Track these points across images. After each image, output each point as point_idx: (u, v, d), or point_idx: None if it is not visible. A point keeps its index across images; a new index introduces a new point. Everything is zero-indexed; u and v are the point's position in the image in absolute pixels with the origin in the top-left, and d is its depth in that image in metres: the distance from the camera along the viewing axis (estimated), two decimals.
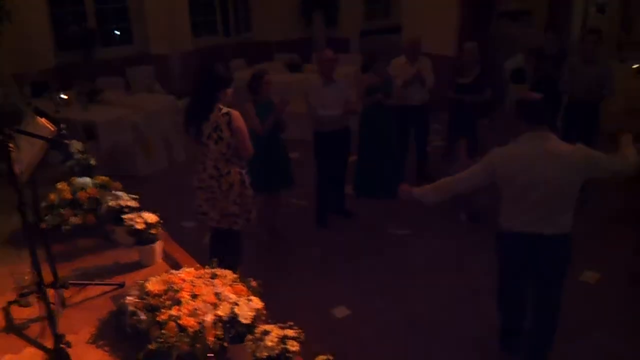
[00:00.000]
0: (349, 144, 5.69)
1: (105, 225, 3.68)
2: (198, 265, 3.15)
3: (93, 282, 3.13)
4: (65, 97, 7.79)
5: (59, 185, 3.91)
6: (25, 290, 2.89)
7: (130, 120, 7.05)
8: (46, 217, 3.71)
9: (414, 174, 6.59)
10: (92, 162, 4.42)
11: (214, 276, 2.79)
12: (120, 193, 3.65)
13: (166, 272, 3.01)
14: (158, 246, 3.37)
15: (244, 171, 3.96)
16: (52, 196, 3.82)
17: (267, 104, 5.04)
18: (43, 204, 3.79)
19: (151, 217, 3.33)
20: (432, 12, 9.01)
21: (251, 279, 2.80)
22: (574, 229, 3.26)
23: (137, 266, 3.38)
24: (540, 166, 3.14)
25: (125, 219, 3.32)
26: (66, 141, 4.85)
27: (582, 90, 5.88)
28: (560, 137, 6.16)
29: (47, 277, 2.85)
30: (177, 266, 3.26)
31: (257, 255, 5.21)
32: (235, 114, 3.81)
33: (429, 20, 8.96)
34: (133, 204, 3.56)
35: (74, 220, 3.70)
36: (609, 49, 8.75)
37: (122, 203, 3.52)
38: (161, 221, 3.41)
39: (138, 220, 3.27)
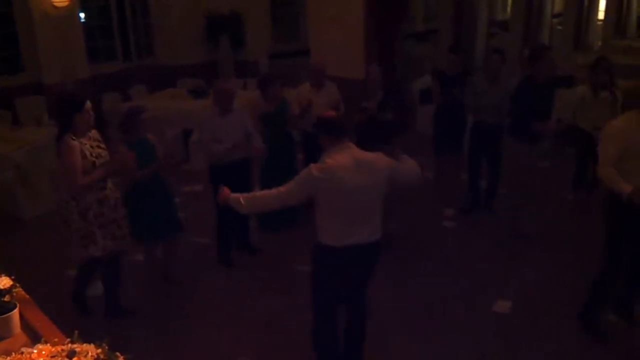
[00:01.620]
0: (249, 174, 5.34)
1: None
2: (57, 338, 2.67)
3: None
4: None
5: None
6: None
7: (9, 157, 6.36)
8: None
9: None
10: None
11: (71, 354, 2.34)
12: None
13: (24, 345, 2.54)
14: (14, 316, 2.86)
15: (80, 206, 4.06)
16: None
17: (142, 142, 4.55)
18: None
19: (5, 282, 2.83)
20: (338, 35, 8.86)
21: (119, 355, 2.37)
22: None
23: None
24: (354, 175, 3.30)
25: None
26: None
27: (487, 111, 5.86)
28: (466, 159, 6.27)
29: None
30: (37, 337, 2.79)
31: (154, 306, 4.76)
32: (63, 145, 3.92)
33: (335, 43, 8.82)
34: None
35: None
36: (511, 68, 8.94)
37: None
38: (17, 285, 2.91)
39: None
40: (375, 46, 8.89)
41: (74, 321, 4.45)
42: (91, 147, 4.08)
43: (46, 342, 2.55)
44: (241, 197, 3.54)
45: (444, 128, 6.51)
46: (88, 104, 4.05)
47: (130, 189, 4.59)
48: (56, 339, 2.56)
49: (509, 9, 14.94)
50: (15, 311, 2.88)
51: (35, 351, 2.43)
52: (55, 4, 9.39)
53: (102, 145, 4.21)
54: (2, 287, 2.79)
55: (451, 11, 11.27)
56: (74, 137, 3.97)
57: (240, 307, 4.72)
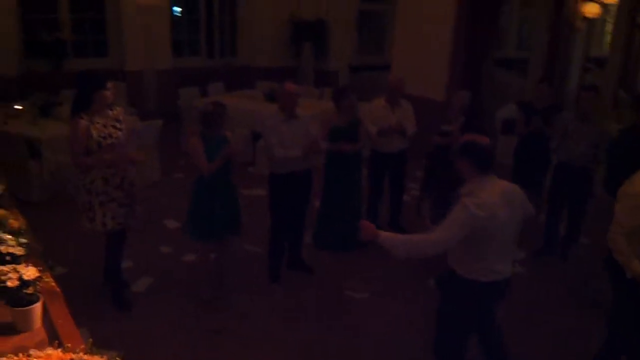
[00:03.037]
0: (310, 188, 5.05)
1: None
2: (73, 342, 2.48)
3: None
4: (20, 107, 7.19)
5: None
6: None
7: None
8: None
9: (385, 227, 5.97)
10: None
11: None
12: (6, 236, 2.99)
13: (41, 342, 2.38)
14: (36, 309, 2.69)
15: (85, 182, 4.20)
16: None
17: (220, 140, 4.46)
18: None
19: (30, 272, 2.67)
20: (423, 53, 8.55)
21: None
22: None
23: (10, 330, 2.70)
24: (504, 209, 3.11)
25: None
26: None
27: (575, 152, 5.34)
28: (547, 199, 5.74)
29: None
30: (56, 337, 2.62)
31: (195, 312, 4.57)
32: (72, 123, 4.07)
33: (419, 61, 8.50)
34: (18, 251, 2.90)
35: None
36: (605, 108, 8.29)
37: (4, 249, 2.85)
38: (42, 277, 2.75)
39: (12, 275, 2.61)
40: (460, 68, 8.46)
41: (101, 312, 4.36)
42: (103, 126, 4.14)
43: (59, 347, 2.38)
44: (395, 239, 3.21)
45: (525, 163, 6.02)
46: (109, 83, 4.14)
47: (198, 185, 4.52)
48: (69, 344, 2.39)
49: (606, 45, 14.00)
50: (37, 305, 2.72)
51: (42, 355, 2.25)
52: None
53: (120, 126, 4.26)
54: (26, 278, 2.63)
55: (545, 40, 10.63)
56: (83, 116, 4.05)
57: (278, 328, 4.43)
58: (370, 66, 11.31)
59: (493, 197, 3.09)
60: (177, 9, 10.97)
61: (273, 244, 4.99)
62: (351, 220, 5.53)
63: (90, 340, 2.45)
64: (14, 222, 3.36)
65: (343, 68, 11.32)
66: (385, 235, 3.20)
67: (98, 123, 4.13)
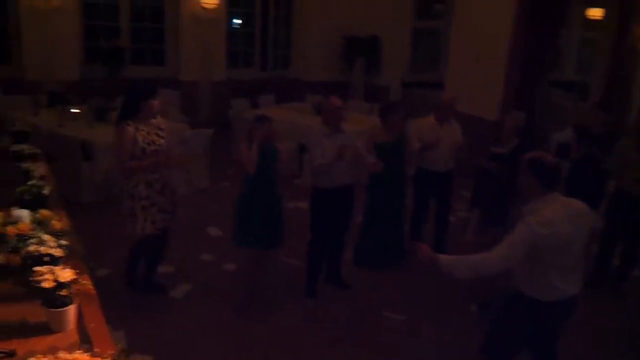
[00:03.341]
0: (352, 203, 4.98)
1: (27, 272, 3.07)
2: (102, 347, 2.49)
3: None
4: (77, 111, 7.43)
5: None
6: None
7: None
8: None
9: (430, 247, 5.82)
10: (46, 191, 3.86)
11: None
12: (46, 237, 3.05)
13: (73, 344, 2.41)
14: (70, 311, 2.72)
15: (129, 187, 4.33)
16: None
17: (267, 148, 4.50)
18: None
19: (66, 275, 2.70)
20: (477, 71, 8.38)
21: None
22: None
23: (45, 330, 2.74)
24: (569, 227, 3.06)
25: (36, 271, 2.70)
26: (27, 164, 4.43)
27: (633, 181, 5.08)
28: (602, 229, 5.47)
29: None
30: (88, 340, 2.64)
31: (230, 321, 4.56)
32: (119, 128, 4.26)
33: (473, 80, 8.35)
34: (57, 252, 2.94)
35: None
36: None
37: (44, 250, 2.91)
38: (79, 279, 2.78)
39: (48, 276, 2.65)
40: (515, 88, 8.25)
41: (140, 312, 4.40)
42: (147, 133, 4.31)
43: (88, 350, 2.39)
44: (455, 260, 3.16)
45: (578, 189, 5.75)
46: (156, 94, 4.31)
47: (245, 192, 4.57)
48: (99, 348, 2.41)
49: None
50: (71, 307, 2.74)
51: (70, 358, 2.26)
52: (204, 5, 9.77)
53: (162, 134, 4.42)
54: (62, 280, 2.66)
55: (607, 64, 10.25)
56: (129, 123, 4.22)
57: (310, 342, 4.35)
58: (423, 83, 11.19)
59: (556, 214, 3.04)
60: (237, 21, 11.18)
61: (311, 259, 4.95)
62: (393, 239, 5.45)
63: (120, 346, 2.46)
64: (57, 224, 3.43)
65: (395, 84, 11.24)
66: (445, 257, 3.18)
67: (143, 130, 4.29)
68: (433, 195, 5.91)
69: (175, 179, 7.06)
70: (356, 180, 4.98)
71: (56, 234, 3.31)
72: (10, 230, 3.24)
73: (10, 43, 8.73)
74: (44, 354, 2.31)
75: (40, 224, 3.39)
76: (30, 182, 3.95)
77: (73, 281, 2.75)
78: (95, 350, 2.42)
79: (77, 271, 3.00)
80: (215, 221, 6.28)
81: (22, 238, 3.23)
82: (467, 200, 6.99)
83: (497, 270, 3.16)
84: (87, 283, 3.13)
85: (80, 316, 2.86)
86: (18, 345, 2.57)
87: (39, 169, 4.25)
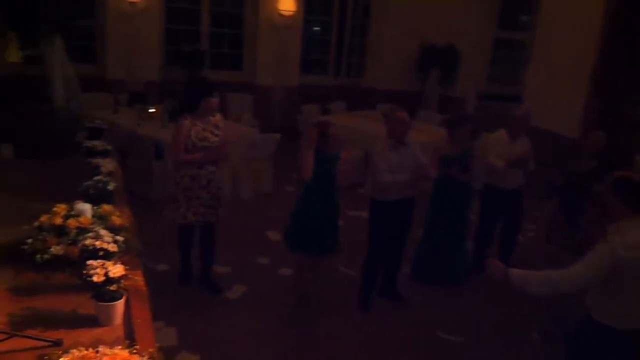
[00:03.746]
0: (412, 217, 4.85)
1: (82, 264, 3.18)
2: (144, 344, 2.53)
3: (20, 334, 2.59)
4: (153, 111, 7.71)
5: (57, 207, 3.49)
6: None
7: None
8: (29, 240, 3.30)
9: None
10: (111, 186, 3.99)
11: None
12: (103, 232, 3.14)
13: (118, 339, 2.46)
14: (117, 306, 2.78)
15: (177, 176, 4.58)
16: (44, 218, 3.40)
17: (328, 155, 4.47)
18: (35, 224, 3.42)
19: (116, 270, 2.76)
20: (559, 86, 8.03)
21: None
22: None
23: (93, 322, 2.82)
24: None
25: (88, 264, 2.79)
26: (97, 159, 4.60)
27: None
28: None
29: None
30: (132, 336, 2.69)
31: (280, 326, 4.55)
32: (177, 122, 4.53)
33: (553, 94, 8.00)
34: (112, 247, 3.02)
35: (56, 250, 3.23)
36: None
37: (99, 244, 2.99)
38: (129, 275, 2.85)
39: (99, 270, 2.72)
40: (598, 106, 7.82)
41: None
42: (203, 129, 4.48)
43: (129, 346, 2.43)
44: (529, 276, 3.06)
45: None
46: (213, 93, 4.47)
47: (301, 197, 4.60)
48: (139, 345, 2.44)
49: None
50: (119, 302, 2.80)
51: (109, 353, 2.30)
52: (282, 12, 9.90)
53: (217, 132, 4.57)
54: (111, 275, 2.73)
55: None
56: (187, 118, 4.43)
57: (359, 356, 4.26)
58: (501, 95, 10.82)
59: None
60: (316, 29, 11.28)
61: (367, 270, 4.87)
62: (453, 255, 5.27)
63: (157, 346, 2.48)
64: (117, 219, 3.53)
65: (470, 96, 10.94)
66: (517, 271, 3.05)
67: (198, 126, 4.46)
68: (501, 213, 5.68)
69: (241, 182, 7.23)
70: (418, 192, 4.85)
71: (114, 229, 3.41)
72: (71, 222, 3.36)
73: (95, 43, 9.19)
74: (88, 346, 2.36)
75: (101, 219, 3.50)
76: (96, 177, 4.11)
77: (123, 277, 2.81)
78: (136, 347, 2.45)
79: (130, 267, 3.07)
80: (276, 225, 6.31)
81: (82, 231, 3.35)
82: (537, 220, 6.70)
83: (573, 289, 3.02)
84: (138, 279, 3.20)
85: (128, 312, 2.93)
86: (65, 336, 2.65)
87: (108, 165, 4.40)
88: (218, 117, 4.64)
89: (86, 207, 3.54)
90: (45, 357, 2.29)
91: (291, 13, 10.02)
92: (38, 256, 3.22)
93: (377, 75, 11.32)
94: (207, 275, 4.94)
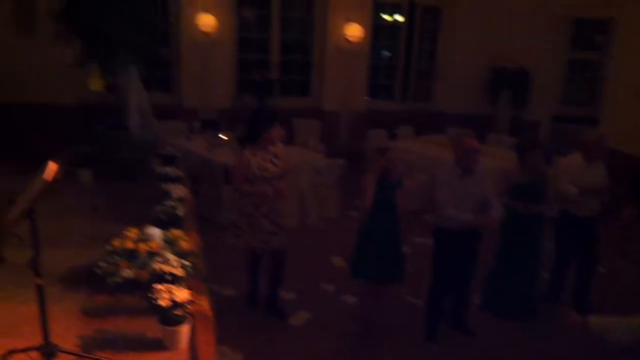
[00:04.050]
0: (478, 245, 4.68)
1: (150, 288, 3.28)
2: None
3: (89, 356, 2.69)
4: (225, 137, 7.93)
5: (129, 231, 3.64)
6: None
7: None
8: (102, 263, 3.45)
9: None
10: (180, 212, 4.12)
11: None
12: (171, 256, 3.23)
13: None
14: (183, 330, 2.85)
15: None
16: (117, 241, 3.55)
17: (388, 182, 4.45)
18: (108, 247, 3.57)
19: (182, 294, 2.83)
20: (638, 108, 7.63)
21: None
22: None
23: (159, 346, 2.90)
24: None
25: (155, 288, 2.87)
26: (168, 185, 4.76)
27: None
28: None
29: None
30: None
31: (338, 350, 4.50)
32: (239, 153, 4.65)
33: (633, 116, 7.60)
34: (178, 272, 3.11)
35: (127, 273, 3.36)
36: None
37: (166, 269, 3.08)
38: (195, 300, 2.91)
39: (165, 294, 2.80)
40: None
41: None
42: (263, 160, 4.58)
43: None
44: (612, 323, 2.90)
45: None
46: (275, 124, 4.57)
47: (364, 225, 4.59)
48: None
49: None
50: (184, 326, 2.86)
51: None
52: (349, 39, 10.00)
53: (276, 162, 4.64)
54: (177, 300, 2.80)
55: None
56: (248, 148, 4.57)
57: None
58: (576, 118, 10.41)
59: None
60: (386, 53, 11.32)
61: (431, 300, 4.75)
62: (525, 286, 5.05)
63: None
64: (184, 244, 3.62)
65: (544, 118, 10.58)
66: (596, 320, 2.87)
67: (258, 156, 4.55)
68: (576, 242, 5.39)
69: (307, 208, 7.27)
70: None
71: (182, 254, 3.50)
72: (142, 247, 3.48)
73: (171, 73, 9.60)
74: None
75: (170, 243, 3.61)
76: (167, 203, 4.25)
77: (189, 301, 2.88)
78: None
79: (196, 291, 3.14)
80: (341, 251, 6.29)
81: (152, 255, 3.45)
82: (615, 249, 6.32)
83: None
84: (204, 304, 3.27)
85: (193, 336, 2.98)
86: (132, 359, 2.74)
87: (178, 190, 4.56)
88: (279, 147, 4.70)
89: (156, 232, 3.66)
90: None
91: (358, 39, 10.10)
92: (110, 279, 3.35)
93: (446, 98, 11.19)
94: (273, 301, 4.97)
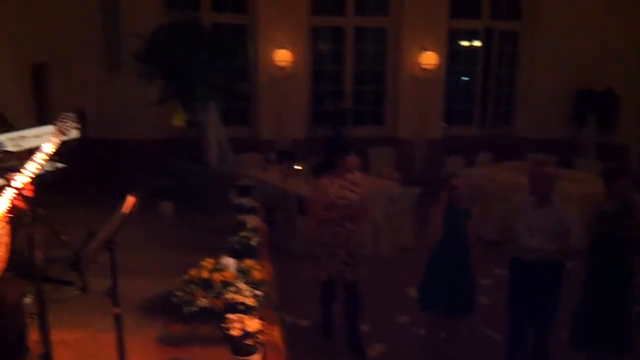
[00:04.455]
0: (561, 277, 4.43)
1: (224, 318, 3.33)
2: None
3: None
4: (299, 168, 8.04)
5: (205, 261, 3.73)
6: None
7: None
8: (179, 292, 3.55)
9: None
10: (254, 242, 4.19)
11: None
12: (243, 286, 3.28)
13: None
14: None
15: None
16: (193, 271, 3.65)
17: (455, 210, 4.35)
18: (185, 277, 3.67)
19: (254, 324, 2.85)
20: None
21: None
22: None
23: None
24: None
25: (228, 318, 2.91)
26: (243, 216, 4.86)
27: None
28: None
29: None
30: None
31: None
32: (316, 180, 4.79)
33: None
34: (251, 302, 3.14)
35: (202, 302, 3.43)
36: None
37: (239, 298, 3.12)
38: (266, 330, 2.91)
39: (237, 324, 2.82)
40: None
41: None
42: (340, 187, 4.59)
43: None
44: None
45: None
46: (351, 152, 4.62)
47: (432, 255, 4.53)
48: None
49: None
50: (255, 357, 2.87)
51: None
52: (423, 66, 9.94)
53: (355, 190, 4.64)
54: (248, 330, 2.81)
55: None
56: (326, 176, 4.61)
57: None
58: None
59: None
60: (464, 79, 11.18)
61: (510, 334, 4.55)
62: (618, 319, 4.69)
63: None
64: (257, 274, 3.67)
65: (634, 142, 9.99)
66: None
67: (336, 184, 4.57)
68: None
69: (381, 237, 7.19)
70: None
71: (255, 284, 3.54)
72: (216, 276, 3.56)
73: (248, 106, 9.91)
74: None
75: (243, 273, 3.66)
76: (241, 233, 4.33)
77: (260, 331, 2.89)
78: None
79: (268, 321, 3.15)
80: (415, 282, 6.11)
81: (226, 285, 3.52)
82: None
83: None
84: (275, 334, 3.27)
85: None
86: None
87: (253, 221, 4.65)
88: (357, 175, 4.73)
89: (230, 262, 3.73)
90: None
91: (433, 66, 10.02)
92: (186, 308, 3.43)
93: (527, 123, 10.83)
94: (354, 338, 4.85)
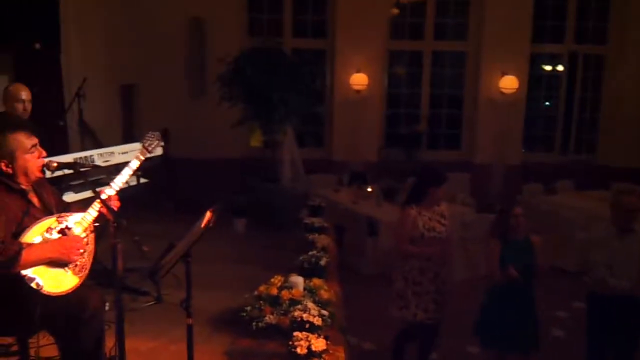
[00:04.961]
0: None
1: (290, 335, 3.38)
2: None
3: None
4: (370, 190, 8.07)
5: (274, 278, 3.82)
6: None
7: None
8: (248, 308, 3.64)
9: None
10: (323, 261, 4.23)
11: None
12: (311, 305, 3.33)
13: None
14: None
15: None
16: (262, 287, 3.74)
17: (517, 242, 4.18)
18: (255, 293, 3.77)
19: (319, 344, 2.89)
20: None
21: None
22: None
23: None
24: None
25: (294, 336, 2.96)
26: (314, 235, 4.92)
27: None
28: None
29: None
30: None
31: None
32: (403, 211, 4.38)
33: None
34: (317, 321, 3.18)
35: (270, 319, 3.51)
36: None
37: (305, 317, 3.17)
38: (331, 350, 2.94)
39: (303, 343, 2.87)
40: None
41: None
42: (429, 219, 4.33)
43: None
44: None
45: None
46: (443, 183, 4.34)
47: (492, 287, 4.36)
48: None
49: None
50: None
51: None
52: (503, 90, 9.74)
53: (443, 221, 4.41)
54: (314, 349, 2.85)
55: None
56: (414, 207, 4.32)
57: None
58: None
59: None
60: (547, 104, 10.87)
61: None
62: None
63: None
64: (325, 293, 3.71)
65: None
66: None
67: (425, 215, 4.32)
68: None
69: (455, 264, 7.05)
70: None
71: (322, 303, 3.58)
72: (285, 294, 3.63)
73: (323, 129, 10.07)
74: None
75: (311, 292, 3.72)
76: (311, 252, 4.40)
77: (324, 351, 2.93)
78: None
79: (333, 342, 3.18)
80: None
81: (293, 302, 3.58)
82: None
83: None
84: (339, 355, 3.29)
85: None
86: None
87: (323, 240, 4.71)
88: (443, 206, 4.49)
89: (299, 280, 3.80)
90: None
91: (513, 90, 9.80)
92: (254, 323, 3.52)
93: (612, 151, 10.32)
94: None
